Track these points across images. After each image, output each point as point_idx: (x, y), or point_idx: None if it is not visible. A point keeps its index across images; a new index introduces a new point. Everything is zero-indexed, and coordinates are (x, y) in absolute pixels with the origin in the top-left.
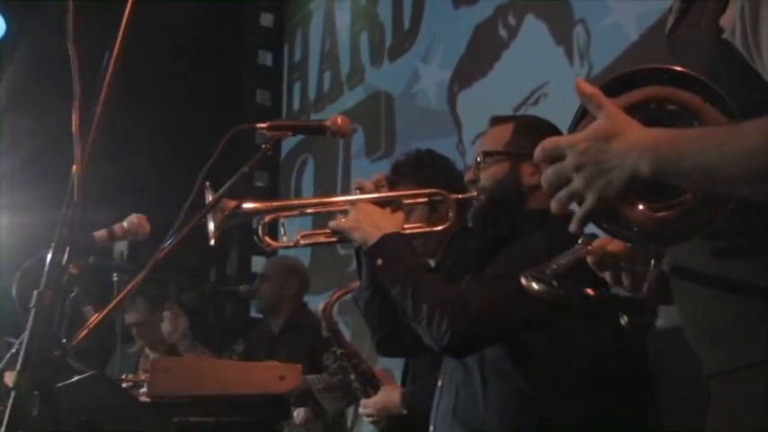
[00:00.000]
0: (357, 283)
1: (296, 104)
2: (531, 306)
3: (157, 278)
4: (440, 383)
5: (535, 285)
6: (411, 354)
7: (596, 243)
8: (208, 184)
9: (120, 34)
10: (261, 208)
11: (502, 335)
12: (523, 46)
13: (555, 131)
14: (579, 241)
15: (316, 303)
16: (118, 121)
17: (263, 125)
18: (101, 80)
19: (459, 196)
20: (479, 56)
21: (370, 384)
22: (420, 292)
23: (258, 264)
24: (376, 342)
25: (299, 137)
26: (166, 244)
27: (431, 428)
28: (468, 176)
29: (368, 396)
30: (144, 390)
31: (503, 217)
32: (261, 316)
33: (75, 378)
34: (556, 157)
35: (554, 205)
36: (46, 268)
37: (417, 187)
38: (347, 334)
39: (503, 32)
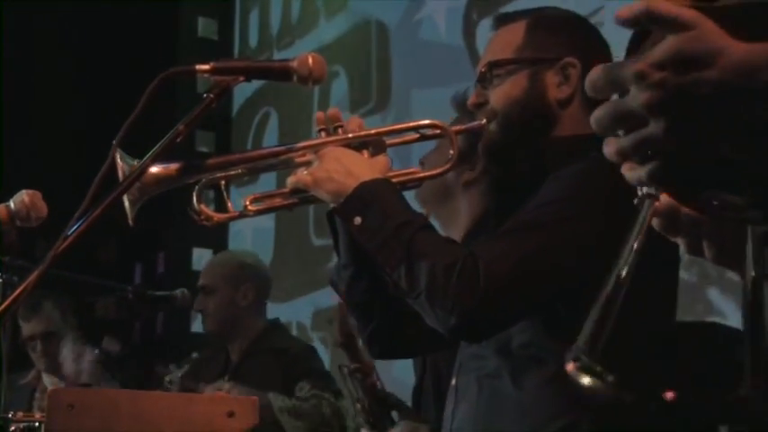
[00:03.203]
0: None
1: (253, 38)
2: (568, 267)
3: (61, 279)
4: (453, 381)
5: (584, 380)
6: (420, 352)
7: (666, 200)
8: (119, 149)
9: None
10: (189, 167)
11: (529, 309)
12: None
13: (590, 28)
14: (636, 201)
15: (281, 313)
16: (10, 60)
17: (206, 66)
18: None
19: (462, 127)
20: None
21: (383, 418)
22: (415, 257)
23: (201, 258)
24: (367, 339)
25: (257, 83)
26: (70, 231)
27: None
28: (471, 100)
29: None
30: None
31: (524, 149)
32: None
33: None
34: (612, 91)
35: (614, 155)
36: None
37: None
38: (325, 356)
39: None
